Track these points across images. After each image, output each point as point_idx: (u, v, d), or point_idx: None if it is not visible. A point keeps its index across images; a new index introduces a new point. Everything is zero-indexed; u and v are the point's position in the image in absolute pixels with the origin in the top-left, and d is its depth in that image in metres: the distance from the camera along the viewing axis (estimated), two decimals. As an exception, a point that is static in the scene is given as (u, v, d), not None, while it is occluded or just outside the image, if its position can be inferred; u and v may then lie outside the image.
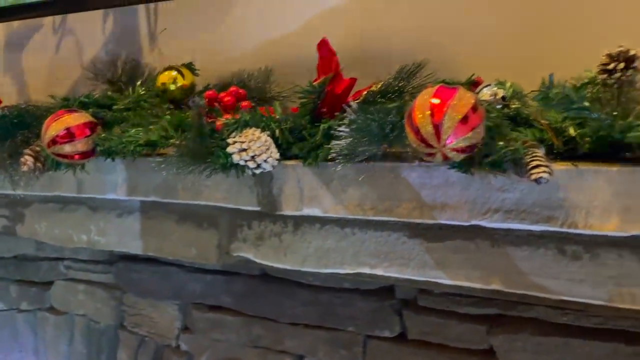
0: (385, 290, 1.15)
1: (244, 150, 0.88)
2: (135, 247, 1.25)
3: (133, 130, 1.02)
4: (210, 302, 1.33)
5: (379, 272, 1.00)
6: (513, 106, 0.84)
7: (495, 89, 0.88)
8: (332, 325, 1.19)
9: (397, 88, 1.00)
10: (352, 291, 1.17)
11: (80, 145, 1.03)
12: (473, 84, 0.98)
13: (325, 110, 0.98)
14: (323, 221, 1.03)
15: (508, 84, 0.87)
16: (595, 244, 0.83)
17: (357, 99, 0.99)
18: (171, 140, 0.97)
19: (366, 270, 1.00)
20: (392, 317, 1.13)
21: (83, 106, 1.12)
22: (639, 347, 0.92)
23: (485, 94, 0.89)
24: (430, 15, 1.16)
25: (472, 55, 1.10)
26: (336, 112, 0.94)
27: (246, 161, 0.89)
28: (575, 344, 0.96)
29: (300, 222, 1.05)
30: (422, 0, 1.16)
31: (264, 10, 1.31)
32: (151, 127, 1.02)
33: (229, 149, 0.89)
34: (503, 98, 0.86)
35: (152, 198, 1.14)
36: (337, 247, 1.02)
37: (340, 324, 1.18)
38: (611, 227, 0.76)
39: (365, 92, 1.00)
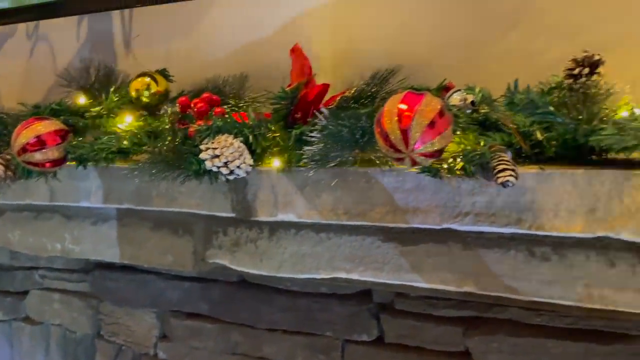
0: (363, 294, 1.15)
1: (217, 156, 0.88)
2: (110, 255, 1.23)
3: (105, 138, 1.01)
4: (188, 309, 1.33)
5: (354, 276, 1.00)
6: (482, 111, 0.85)
7: (465, 94, 0.89)
8: (310, 331, 1.19)
9: (370, 94, 1.01)
10: (330, 296, 1.17)
11: (51, 153, 1.02)
12: (444, 89, 0.99)
13: (299, 115, 0.98)
14: (298, 226, 1.03)
15: (477, 89, 0.88)
16: (563, 245, 0.84)
17: (331, 105, 1.00)
18: (144, 147, 0.96)
19: (342, 275, 1.01)
20: (369, 321, 1.13)
21: (54, 113, 1.11)
22: (610, 346, 0.93)
23: (455, 99, 0.90)
24: (403, 21, 1.17)
25: (444, 60, 1.12)
26: (309, 117, 0.94)
27: (219, 167, 0.89)
28: (549, 345, 0.98)
29: (276, 227, 1.05)
30: (395, 7, 1.17)
31: (238, 16, 1.31)
32: (124, 134, 1.01)
33: (202, 156, 0.89)
34: (472, 103, 0.87)
35: (126, 205, 1.13)
36: (313, 252, 1.03)
37: (318, 329, 1.18)
38: (577, 229, 0.78)
39: (338, 98, 1.00)
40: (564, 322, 0.97)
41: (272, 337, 1.22)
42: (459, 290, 0.93)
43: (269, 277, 1.10)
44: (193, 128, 0.94)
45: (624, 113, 0.81)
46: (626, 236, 0.76)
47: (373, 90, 1.02)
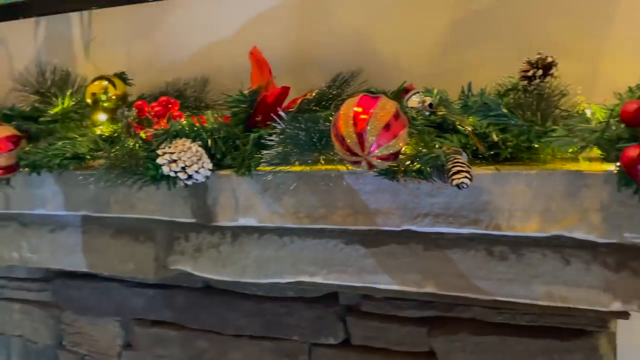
0: (329, 297, 1.15)
1: (174, 161, 0.87)
2: (69, 263, 1.20)
3: (60, 143, 0.98)
4: (153, 317, 1.30)
5: (318, 279, 1.00)
6: (439, 113, 0.86)
7: (423, 96, 0.89)
8: (276, 335, 1.18)
9: (331, 96, 1.01)
10: (296, 300, 1.17)
11: (2, 160, 0.99)
12: (404, 91, 1.00)
13: (259, 118, 0.97)
14: (261, 231, 1.02)
15: (435, 91, 0.88)
16: (520, 244, 0.86)
17: (292, 107, 0.99)
18: (99, 153, 0.94)
19: (306, 278, 1.00)
20: (336, 324, 1.13)
21: (7, 119, 1.08)
22: (569, 342, 0.95)
23: (414, 101, 0.90)
24: (365, 23, 1.17)
25: (405, 62, 1.12)
26: (269, 120, 0.93)
27: (177, 172, 0.87)
28: (511, 342, 0.99)
29: (239, 232, 1.04)
30: (356, 8, 1.18)
31: (200, 19, 1.29)
32: (80, 139, 0.98)
33: (159, 160, 0.87)
34: (430, 105, 0.88)
35: (83, 212, 1.10)
36: (276, 256, 1.02)
37: (285, 334, 1.17)
38: (532, 228, 0.79)
39: (300, 100, 1.00)
40: (524, 320, 0.98)
41: (239, 343, 1.21)
42: (421, 291, 0.93)
43: (234, 282, 1.09)
44: (150, 132, 0.92)
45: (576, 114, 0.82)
46: (579, 235, 0.77)
47: (334, 92, 1.02)
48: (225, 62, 1.24)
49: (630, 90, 0.80)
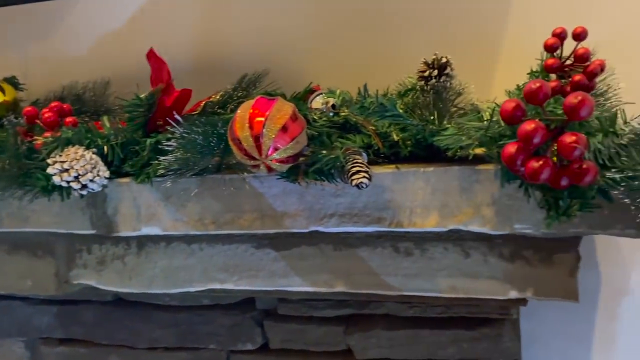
0: (246, 302, 1.13)
1: (66, 170, 0.82)
2: (-42, 284, 1.10)
3: (-62, 155, 0.90)
4: (60, 334, 1.22)
5: (229, 286, 0.98)
6: (342, 114, 0.86)
7: (326, 97, 0.89)
8: (193, 345, 1.14)
9: (236, 98, 0.99)
10: (212, 307, 1.14)
11: None
12: (310, 92, 1.00)
13: (161, 123, 0.94)
14: (168, 239, 0.99)
15: (338, 92, 0.89)
16: (424, 239, 0.88)
17: (196, 110, 0.97)
18: (-17, 164, 0.86)
19: (216, 285, 0.98)
20: (253, 329, 1.11)
21: None
22: (475, 331, 0.99)
23: (318, 102, 0.90)
24: (273, 24, 1.16)
25: (311, 63, 1.13)
26: (170, 125, 0.90)
27: (69, 182, 0.82)
28: (423, 334, 1.01)
29: (145, 241, 1.00)
30: (264, 9, 1.16)
31: (101, 18, 1.23)
32: (-38, 149, 0.90)
33: (49, 170, 0.82)
34: (333, 106, 0.88)
35: (-30, 229, 1.01)
36: (185, 264, 0.99)
37: (201, 343, 1.14)
38: (432, 223, 0.81)
39: (203, 103, 0.97)
40: (434, 312, 1.01)
41: (153, 356, 1.16)
42: (332, 291, 0.94)
43: (145, 293, 1.04)
44: (40, 140, 0.86)
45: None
46: (474, 228, 0.80)
47: (240, 94, 1.00)
48: (128, 64, 1.18)
49: (518, 88, 0.84)
